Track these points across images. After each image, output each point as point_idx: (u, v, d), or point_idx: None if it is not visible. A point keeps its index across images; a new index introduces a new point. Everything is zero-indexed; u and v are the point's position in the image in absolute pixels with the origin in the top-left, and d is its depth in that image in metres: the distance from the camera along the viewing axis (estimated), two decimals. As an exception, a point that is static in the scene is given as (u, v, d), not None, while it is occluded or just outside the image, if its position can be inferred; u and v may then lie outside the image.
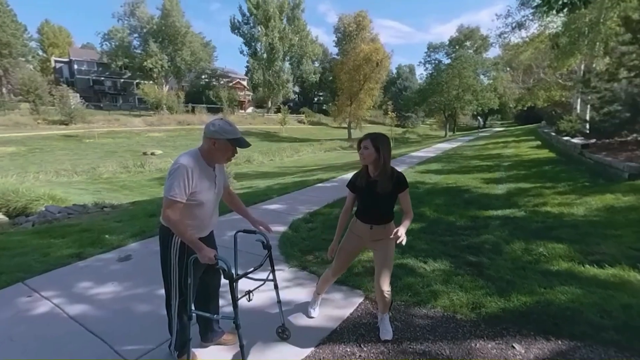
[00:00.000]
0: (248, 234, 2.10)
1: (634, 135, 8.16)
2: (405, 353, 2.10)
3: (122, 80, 47.00)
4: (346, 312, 2.55)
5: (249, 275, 1.85)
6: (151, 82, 41.43)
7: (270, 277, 2.09)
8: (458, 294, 2.68)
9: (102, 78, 46.34)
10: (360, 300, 2.71)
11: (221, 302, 2.32)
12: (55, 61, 49.27)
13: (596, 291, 2.63)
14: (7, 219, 7.17)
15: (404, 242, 1.91)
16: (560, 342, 2.13)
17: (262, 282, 2.06)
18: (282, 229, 4.45)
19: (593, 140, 9.21)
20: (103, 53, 41.64)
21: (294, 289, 2.90)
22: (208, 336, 2.14)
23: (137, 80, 43.23)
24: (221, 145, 1.79)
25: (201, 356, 2.06)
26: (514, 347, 2.10)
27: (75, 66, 45.62)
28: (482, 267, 3.16)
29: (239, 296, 1.79)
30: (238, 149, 1.86)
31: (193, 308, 1.88)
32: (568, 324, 2.26)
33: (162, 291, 2.89)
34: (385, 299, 2.16)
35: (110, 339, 2.24)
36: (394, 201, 2.13)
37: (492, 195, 6.14)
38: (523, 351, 2.07)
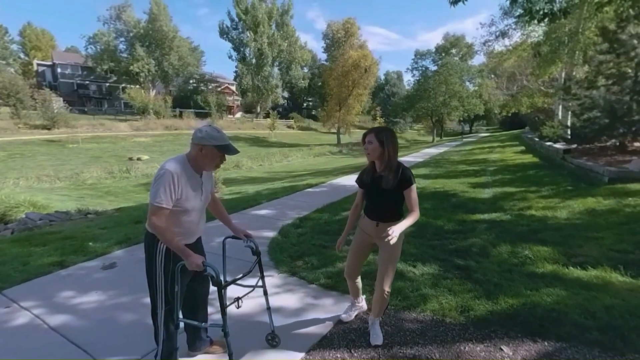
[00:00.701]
0: (237, 240, 2.08)
1: (613, 140, 8.46)
2: (395, 357, 2.09)
3: (107, 84, 46.21)
4: (337, 317, 2.54)
5: (238, 282, 1.83)
6: (138, 86, 40.88)
7: (260, 283, 2.07)
8: (447, 298, 2.70)
9: (87, 82, 45.48)
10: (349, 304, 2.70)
11: (210, 309, 2.28)
12: (38, 64, 48.12)
13: (580, 292, 2.69)
14: (-16, 226, 6.88)
15: (392, 241, 1.80)
16: (546, 343, 2.16)
17: (251, 289, 2.02)
18: (271, 234, 4.42)
19: (574, 146, 9.51)
20: (88, 57, 40.94)
21: (283, 295, 2.88)
22: (196, 345, 2.09)
23: (123, 85, 42.60)
24: (208, 152, 1.77)
25: None
26: (502, 350, 2.12)
27: (59, 70, 44.65)
28: (470, 270, 3.20)
29: (228, 303, 1.76)
30: (227, 156, 1.85)
31: (181, 316, 1.84)
32: (554, 325, 2.31)
33: (148, 300, 2.83)
34: (383, 300, 2.13)
35: (93, 350, 2.17)
36: (400, 198, 2.04)
37: (479, 199, 6.24)
38: (511, 353, 2.09)
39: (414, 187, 2.02)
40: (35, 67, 48.14)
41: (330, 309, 2.67)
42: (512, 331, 2.29)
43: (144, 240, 1.86)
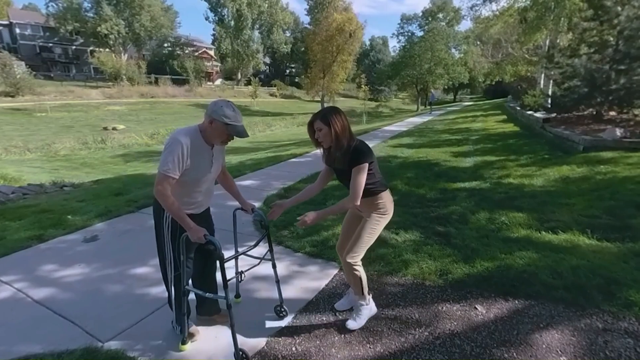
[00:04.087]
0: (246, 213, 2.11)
1: (590, 110, 8.69)
2: (377, 319, 2.21)
3: (73, 47, 42.81)
4: (322, 283, 2.63)
5: (247, 253, 1.86)
6: (107, 50, 38.09)
7: (268, 256, 2.08)
8: (427, 262, 2.83)
9: (51, 44, 41.87)
10: (335, 271, 2.80)
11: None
12: (-7, 24, 43.77)
13: (550, 255, 2.87)
14: (-48, 201, 6.55)
15: (300, 226, 1.84)
16: (517, 301, 2.33)
17: (258, 262, 2.05)
18: (256, 204, 4.38)
19: (554, 115, 9.72)
20: (49, 15, 37.43)
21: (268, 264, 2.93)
22: (204, 310, 2.17)
23: (92, 48, 39.58)
24: (217, 127, 1.74)
25: (203, 331, 2.07)
26: (476, 308, 2.28)
27: (17, 30, 40.77)
28: (449, 236, 3.34)
29: (233, 276, 1.81)
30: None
31: (190, 285, 1.89)
32: (524, 285, 2.47)
33: (134, 271, 2.84)
34: (350, 274, 2.02)
35: (81, 322, 2.18)
36: None
37: (460, 168, 6.39)
38: (484, 311, 2.25)
39: (360, 167, 1.82)
40: (-10, 27, 43.81)
41: (315, 275, 2.76)
42: (486, 292, 2.44)
43: (153, 207, 1.89)
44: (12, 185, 6.80)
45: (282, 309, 2.23)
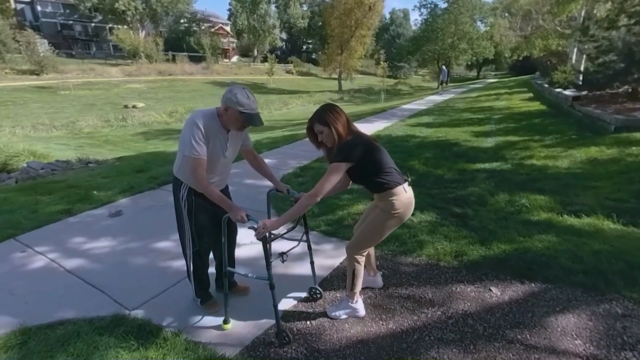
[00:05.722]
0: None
1: (625, 87, 8.13)
2: (391, 297, 2.25)
3: (93, 24, 43.16)
4: (336, 261, 2.68)
5: (284, 236, 1.87)
6: (125, 26, 38.19)
7: (304, 238, 2.09)
8: (442, 244, 2.82)
9: (71, 22, 42.36)
10: (350, 250, 2.83)
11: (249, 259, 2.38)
12: (16, 1, 44.38)
13: (571, 239, 2.80)
14: (-12, 175, 6.96)
15: (258, 237, 1.64)
16: (533, 285, 2.31)
17: (296, 244, 2.04)
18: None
19: (584, 93, 9.17)
20: (68, -8, 37.65)
21: (286, 241, 2.99)
22: (221, 283, 2.20)
23: (110, 25, 39.79)
24: (232, 114, 1.74)
25: (220, 303, 2.08)
26: (490, 290, 2.27)
27: (39, 7, 41.31)
28: (466, 218, 3.29)
29: (277, 257, 1.82)
30: None
31: (229, 268, 1.92)
32: (542, 268, 2.44)
33: (156, 245, 2.97)
34: (350, 265, 1.96)
35: (109, 290, 2.33)
36: (357, 170, 1.78)
37: (481, 148, 6.20)
38: (499, 293, 2.24)
39: (334, 165, 1.69)
40: (13, 4, 44.50)
41: (330, 253, 2.80)
42: (502, 274, 2.43)
43: (172, 184, 1.95)
44: (42, 162, 7.13)
45: (317, 291, 2.23)
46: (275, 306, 1.79)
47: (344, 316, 2.05)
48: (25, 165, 6.91)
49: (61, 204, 3.88)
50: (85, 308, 2.13)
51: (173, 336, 1.88)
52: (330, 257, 2.75)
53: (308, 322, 2.04)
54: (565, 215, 3.28)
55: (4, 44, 27.90)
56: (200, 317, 2.07)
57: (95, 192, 4.24)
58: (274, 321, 2.02)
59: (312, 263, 2.22)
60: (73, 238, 3.09)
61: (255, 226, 1.67)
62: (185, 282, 2.39)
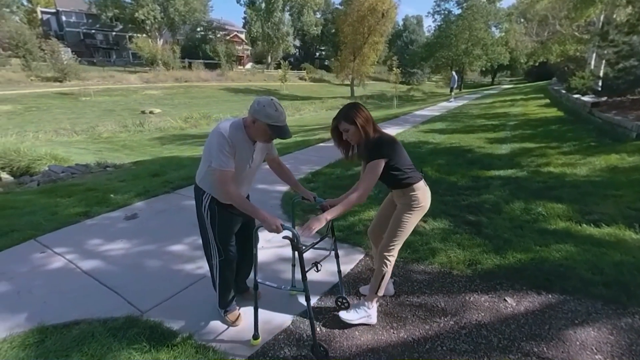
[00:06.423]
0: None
1: (647, 93, 7.88)
2: (402, 305, 2.22)
3: (114, 33, 44.77)
4: (347, 267, 2.66)
5: (315, 247, 1.82)
6: (144, 35, 39.44)
7: (333, 246, 2.06)
8: (455, 252, 2.77)
9: (93, 31, 44.10)
10: (361, 257, 2.82)
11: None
12: (42, 12, 46.49)
13: (590, 249, 2.71)
14: (12, 178, 7.24)
15: (305, 235, 1.61)
16: (550, 296, 2.24)
17: (328, 253, 1.98)
18: (284, 188, 4.48)
19: (604, 99, 8.93)
20: (91, 3, 39.18)
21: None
22: (238, 288, 2.24)
23: (130, 34, 41.15)
24: (260, 127, 1.71)
25: (244, 315, 2.10)
26: (505, 300, 2.21)
27: (63, 17, 43.17)
28: (480, 226, 3.23)
29: (310, 267, 1.76)
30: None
31: (259, 279, 1.86)
32: (560, 279, 2.36)
33: (169, 248, 3.01)
34: (380, 268, 1.97)
35: (123, 292, 2.37)
36: (385, 167, 1.81)
37: (495, 155, 6.09)
38: (514, 304, 2.18)
39: (375, 163, 1.75)
40: (39, 15, 46.62)
41: (341, 259, 2.76)
42: (518, 284, 2.36)
43: (194, 193, 1.93)
44: (62, 165, 7.38)
45: (345, 301, 2.15)
46: (312, 318, 1.74)
47: (357, 322, 2.01)
48: (46, 168, 7.17)
49: (80, 206, 4.00)
50: (100, 309, 2.17)
51: (184, 339, 1.90)
52: (341, 263, 2.72)
53: (317, 329, 2.02)
54: (584, 225, 3.17)
55: (30, 53, 29.21)
56: (211, 320, 2.08)
57: (112, 195, 4.35)
58: (284, 327, 2.03)
59: (339, 272, 2.18)
60: (90, 240, 3.17)
61: (290, 235, 1.65)
62: (197, 285, 2.43)
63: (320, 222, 1.64)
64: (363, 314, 2.02)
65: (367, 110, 1.84)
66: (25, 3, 48.99)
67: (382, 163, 1.76)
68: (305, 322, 2.07)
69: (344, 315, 2.03)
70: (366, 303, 2.05)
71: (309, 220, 1.65)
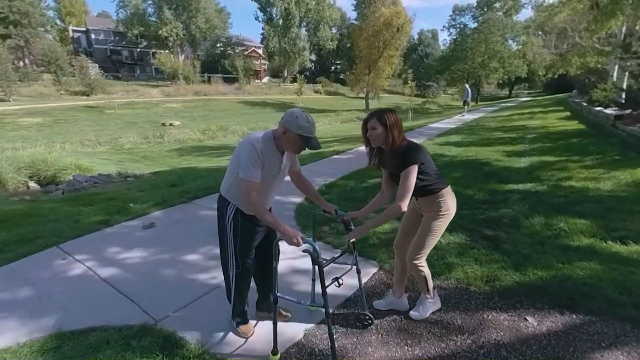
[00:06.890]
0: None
1: (675, 105, 7.58)
2: (417, 321, 2.16)
3: (138, 49, 46.91)
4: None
5: (336, 261, 1.83)
6: (167, 51, 41.14)
7: (353, 261, 2.05)
8: (472, 267, 2.69)
9: (119, 48, 46.40)
10: (375, 270, 2.77)
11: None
12: (73, 31, 49.37)
13: (617, 267, 2.58)
14: (38, 187, 7.58)
15: (351, 240, 1.88)
16: (574, 316, 2.13)
17: (349, 268, 1.99)
18: (298, 200, 4.51)
19: (628, 111, 8.63)
20: (119, 21, 41.36)
21: (308, 258, 2.98)
22: (263, 305, 2.19)
23: (154, 50, 43.03)
24: (291, 137, 1.74)
25: (257, 327, 2.10)
26: (526, 320, 2.12)
27: (93, 35, 45.69)
28: (499, 241, 3.13)
29: (330, 282, 1.76)
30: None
31: (278, 293, 1.82)
32: (584, 299, 2.25)
33: (185, 257, 3.05)
34: (417, 273, 2.05)
35: (139, 300, 2.41)
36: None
37: (514, 168, 5.95)
38: (536, 324, 2.09)
39: (409, 170, 1.77)
40: (70, 34, 49.48)
41: (354, 273, 2.73)
42: (539, 303, 2.26)
43: (217, 203, 1.94)
44: (86, 175, 7.68)
45: (368, 317, 2.10)
46: (331, 335, 1.70)
47: (429, 314, 2.18)
48: (71, 178, 7.47)
49: (100, 214, 4.13)
50: (116, 316, 2.21)
51: (196, 349, 1.90)
52: (354, 276, 2.68)
53: (329, 344, 1.99)
54: (610, 242, 3.03)
55: (61, 68, 30.86)
56: (224, 332, 2.08)
57: (131, 204, 4.47)
58: (295, 340, 2.01)
59: (361, 289, 2.15)
60: (109, 248, 3.25)
61: (310, 249, 1.65)
62: (210, 295, 2.45)
63: (362, 232, 1.88)
64: (429, 307, 2.19)
65: (400, 119, 1.87)
66: (59, 22, 52.19)
67: (415, 169, 1.80)
68: (317, 336, 2.04)
69: (414, 314, 2.17)
70: (426, 298, 2.18)
71: (355, 229, 1.88)
